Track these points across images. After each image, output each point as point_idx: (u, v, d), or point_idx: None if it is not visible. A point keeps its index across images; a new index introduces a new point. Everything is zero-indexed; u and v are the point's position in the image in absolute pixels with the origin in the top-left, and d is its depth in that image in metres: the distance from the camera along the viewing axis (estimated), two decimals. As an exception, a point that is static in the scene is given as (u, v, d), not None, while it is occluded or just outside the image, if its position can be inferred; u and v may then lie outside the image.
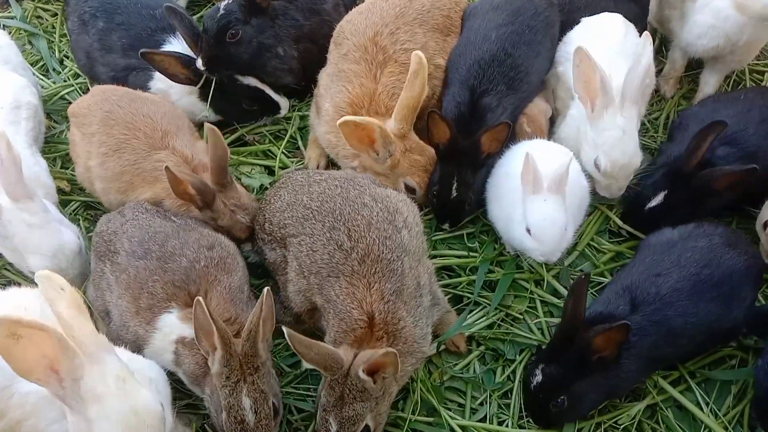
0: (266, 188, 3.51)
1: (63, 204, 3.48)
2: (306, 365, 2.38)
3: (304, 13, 3.75)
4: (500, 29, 3.37)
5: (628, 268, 2.90)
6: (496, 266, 3.21)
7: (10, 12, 4.51)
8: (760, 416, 2.66)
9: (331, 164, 3.61)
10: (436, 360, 2.96)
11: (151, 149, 3.08)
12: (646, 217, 3.15)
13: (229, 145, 3.71)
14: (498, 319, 3.04)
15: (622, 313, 2.68)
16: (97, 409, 1.95)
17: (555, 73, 3.57)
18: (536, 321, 3.04)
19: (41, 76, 4.12)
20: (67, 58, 4.22)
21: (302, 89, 3.88)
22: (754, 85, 3.98)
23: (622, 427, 2.76)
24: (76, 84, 4.06)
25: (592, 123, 3.07)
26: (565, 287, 3.10)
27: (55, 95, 4.01)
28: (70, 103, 3.75)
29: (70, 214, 3.50)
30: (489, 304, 3.07)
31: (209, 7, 4.38)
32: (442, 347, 2.97)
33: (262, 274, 3.14)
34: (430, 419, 2.79)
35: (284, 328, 2.32)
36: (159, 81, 3.66)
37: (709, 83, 3.78)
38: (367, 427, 2.41)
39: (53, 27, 4.42)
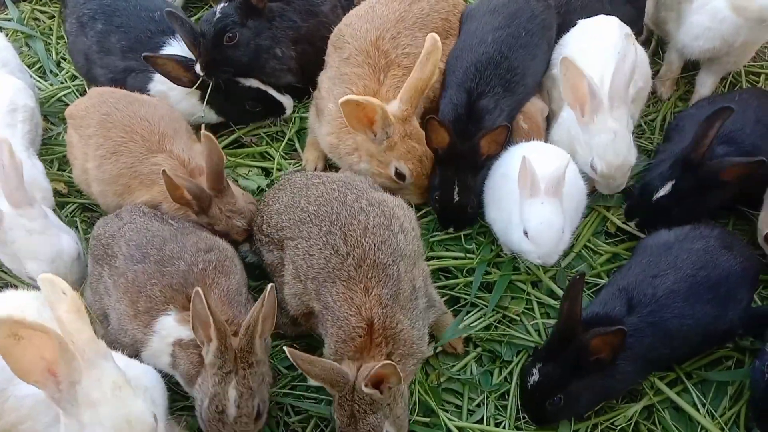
0: (263, 190, 3.51)
1: (60, 206, 3.49)
2: (312, 382, 2.36)
3: (301, 15, 3.75)
4: (497, 32, 3.37)
5: (625, 269, 2.91)
6: (493, 267, 3.21)
7: (7, 14, 4.50)
8: (756, 417, 2.67)
9: (329, 166, 3.61)
10: (433, 361, 2.96)
11: (148, 152, 3.08)
12: (653, 208, 3.13)
13: (226, 147, 3.73)
14: (495, 321, 3.05)
15: (618, 315, 2.69)
16: (91, 414, 1.96)
17: (551, 76, 3.57)
18: (533, 322, 3.05)
19: (38, 78, 4.12)
20: (65, 60, 4.22)
21: (301, 90, 3.88)
22: (750, 86, 3.99)
23: (618, 428, 2.77)
24: (74, 86, 4.06)
25: (583, 127, 3.08)
26: (562, 288, 3.11)
27: (53, 97, 4.01)
28: (67, 105, 3.74)
29: (67, 216, 3.50)
30: (486, 306, 3.08)
31: (206, 9, 4.39)
32: (440, 349, 2.98)
33: (260, 275, 3.14)
34: (428, 420, 2.80)
35: (287, 350, 2.31)
36: (158, 83, 3.66)
37: (706, 85, 3.79)
38: None
39: (50, 29, 4.42)
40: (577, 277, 2.53)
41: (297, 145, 3.77)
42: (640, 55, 3.31)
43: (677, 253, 2.80)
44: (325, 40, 3.61)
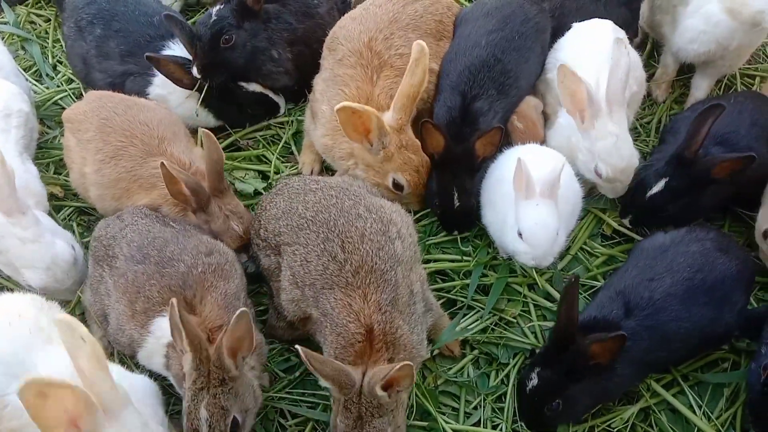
0: (260, 193, 3.51)
1: (56, 209, 3.48)
2: (322, 383, 2.36)
3: (297, 17, 3.76)
4: (490, 35, 3.39)
5: (621, 272, 2.91)
6: (489, 270, 3.22)
7: (2, 17, 4.50)
8: (753, 418, 2.67)
9: (326, 169, 3.61)
10: (430, 364, 2.96)
11: (147, 156, 3.09)
12: (647, 205, 3.14)
13: (222, 150, 3.71)
14: (492, 323, 3.05)
15: (616, 318, 2.69)
16: None
17: (545, 79, 3.59)
18: (530, 325, 3.05)
19: (34, 82, 4.12)
20: (61, 63, 4.22)
21: (297, 92, 3.89)
22: (744, 89, 4.00)
23: (615, 430, 2.77)
24: (70, 89, 4.05)
25: (584, 133, 3.09)
26: (558, 291, 3.11)
27: (49, 101, 4.01)
28: (63, 108, 3.74)
29: (64, 219, 3.49)
30: (483, 308, 3.08)
31: (202, 13, 4.39)
32: (436, 351, 2.98)
33: (255, 279, 3.14)
34: (425, 424, 2.80)
35: (299, 348, 2.31)
36: (158, 87, 3.66)
37: (701, 87, 3.80)
38: None
39: (46, 32, 4.42)
40: (572, 280, 2.52)
41: (293, 148, 3.77)
42: (633, 58, 3.32)
43: (673, 255, 2.80)
44: (321, 42, 3.62)
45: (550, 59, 3.56)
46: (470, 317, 3.08)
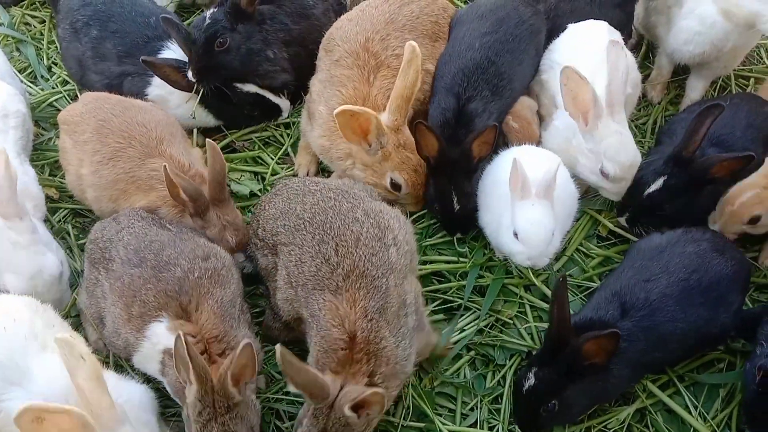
0: (255, 195, 3.51)
1: (51, 211, 3.47)
2: (291, 389, 2.31)
3: (292, 18, 3.76)
4: (484, 38, 3.39)
5: (617, 273, 2.91)
6: (485, 271, 3.22)
7: (-3, 18, 4.49)
8: (748, 419, 2.68)
9: (322, 171, 3.61)
10: (427, 365, 2.96)
11: (146, 157, 3.08)
12: (644, 203, 3.13)
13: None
14: (488, 324, 3.06)
15: (611, 319, 2.69)
16: None
17: (539, 81, 3.59)
18: (526, 326, 3.06)
19: (29, 83, 4.11)
20: (56, 65, 4.21)
21: (293, 93, 3.88)
22: (739, 90, 4.01)
23: (611, 431, 2.78)
24: (65, 91, 4.04)
25: (586, 135, 3.09)
26: (555, 292, 3.11)
27: (44, 102, 4.00)
28: (58, 110, 3.74)
29: (59, 221, 3.49)
30: (479, 309, 3.08)
31: (198, 13, 4.38)
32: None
33: (252, 280, 3.13)
34: (421, 425, 2.80)
35: (278, 347, 2.24)
36: (157, 87, 3.65)
37: (696, 89, 3.81)
38: None
39: (41, 34, 4.41)
40: (560, 280, 2.50)
41: (289, 149, 3.76)
42: (628, 60, 3.32)
43: (669, 256, 2.81)
44: (317, 43, 3.63)
45: (545, 60, 3.56)
46: (466, 318, 3.08)
